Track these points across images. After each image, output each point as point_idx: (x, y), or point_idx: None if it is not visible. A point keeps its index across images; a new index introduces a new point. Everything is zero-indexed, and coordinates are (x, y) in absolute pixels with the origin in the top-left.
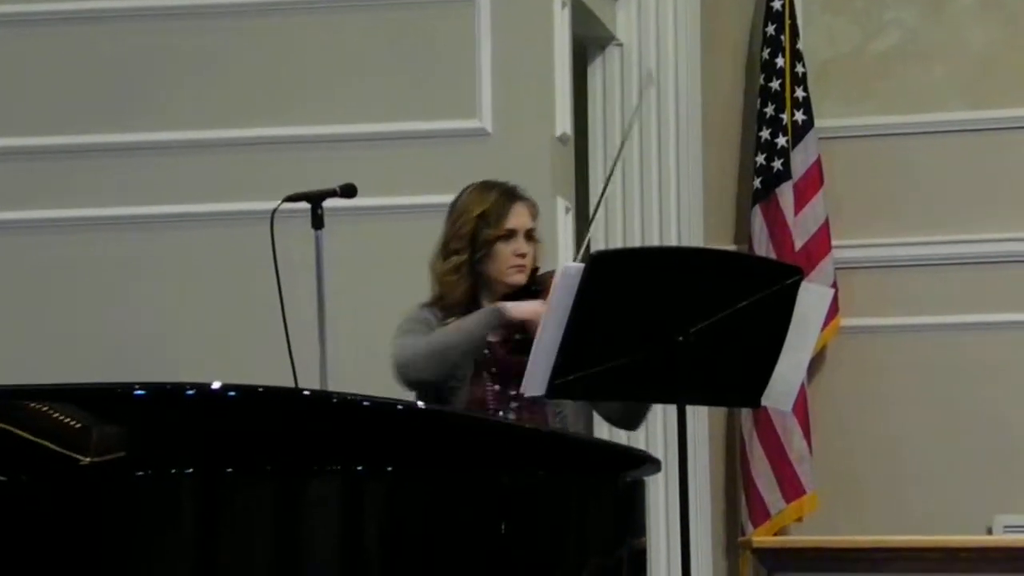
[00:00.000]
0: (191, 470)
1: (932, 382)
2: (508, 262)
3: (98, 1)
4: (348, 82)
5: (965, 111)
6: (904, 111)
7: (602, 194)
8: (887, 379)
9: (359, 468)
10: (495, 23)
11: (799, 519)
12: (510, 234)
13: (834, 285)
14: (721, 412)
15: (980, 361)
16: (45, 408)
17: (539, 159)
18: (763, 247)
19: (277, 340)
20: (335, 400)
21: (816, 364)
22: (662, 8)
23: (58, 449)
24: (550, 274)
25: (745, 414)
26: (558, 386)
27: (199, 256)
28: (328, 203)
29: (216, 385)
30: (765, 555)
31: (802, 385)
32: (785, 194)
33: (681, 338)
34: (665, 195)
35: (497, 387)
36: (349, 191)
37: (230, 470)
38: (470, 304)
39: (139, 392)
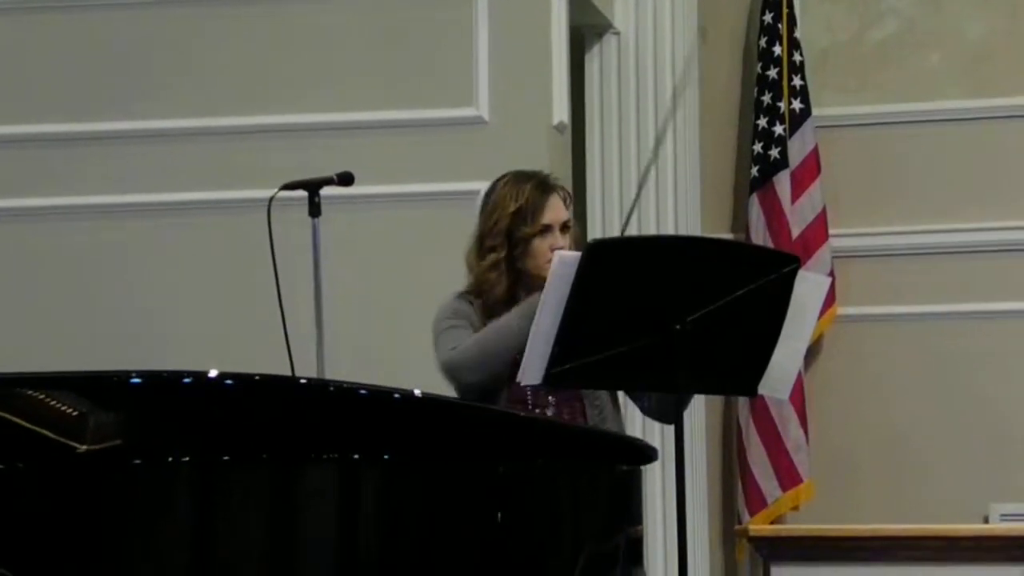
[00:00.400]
0: (187, 458)
1: (929, 371)
2: (546, 257)
3: None
4: (345, 70)
5: (962, 100)
6: (901, 100)
7: (625, 223)
8: (884, 368)
9: (356, 456)
10: (492, 11)
11: (795, 508)
12: (546, 229)
13: (831, 274)
14: (718, 400)
15: (977, 350)
16: (41, 396)
17: (536, 148)
18: (760, 236)
19: (274, 328)
20: (332, 388)
21: (813, 353)
22: None
23: (54, 437)
24: None
25: (742, 402)
26: (554, 375)
27: (196, 244)
28: (325, 191)
29: (213, 373)
30: (761, 543)
31: (799, 373)
32: (782, 183)
33: (678, 326)
34: (662, 183)
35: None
36: (346, 179)
37: (227, 458)
38: (510, 300)
39: (135, 380)
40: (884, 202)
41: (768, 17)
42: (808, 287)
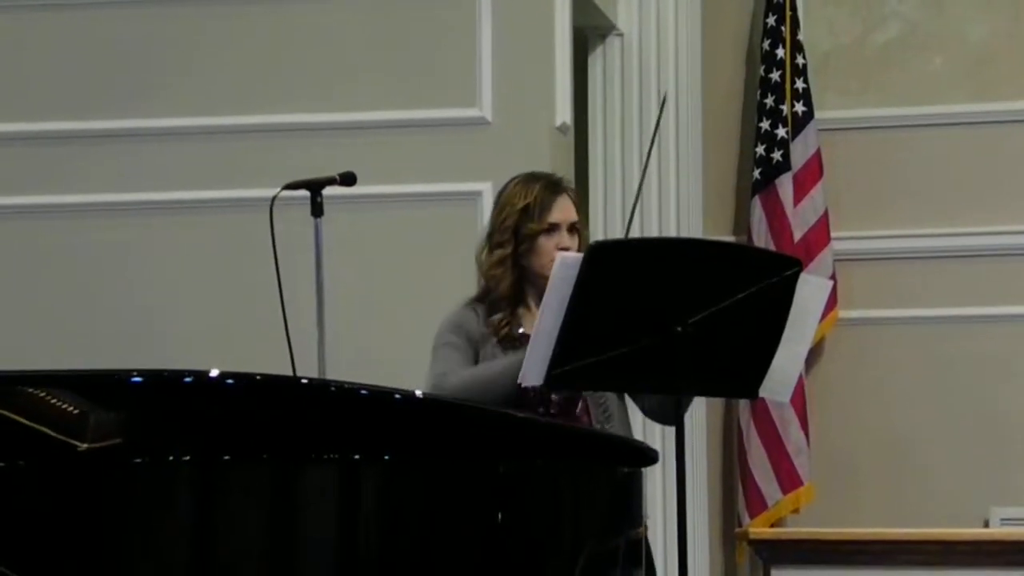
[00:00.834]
0: (188, 457)
1: (930, 374)
2: (551, 256)
3: None
4: (348, 70)
5: (965, 103)
6: (904, 103)
7: (628, 226)
8: (885, 371)
9: (356, 456)
10: (496, 12)
11: (796, 510)
12: (552, 228)
13: (833, 277)
14: (719, 403)
15: (979, 354)
16: (42, 394)
17: (539, 149)
18: (762, 238)
19: (275, 328)
20: (333, 388)
21: (814, 356)
22: None
23: (55, 435)
24: None
25: (743, 405)
26: (556, 376)
27: (198, 243)
28: (328, 191)
29: (214, 372)
30: (762, 546)
31: (800, 376)
32: (784, 185)
33: (679, 328)
34: (665, 185)
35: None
36: (349, 179)
37: (227, 458)
38: (516, 298)
39: (136, 379)
40: (886, 205)
41: (771, 20)
42: (810, 290)
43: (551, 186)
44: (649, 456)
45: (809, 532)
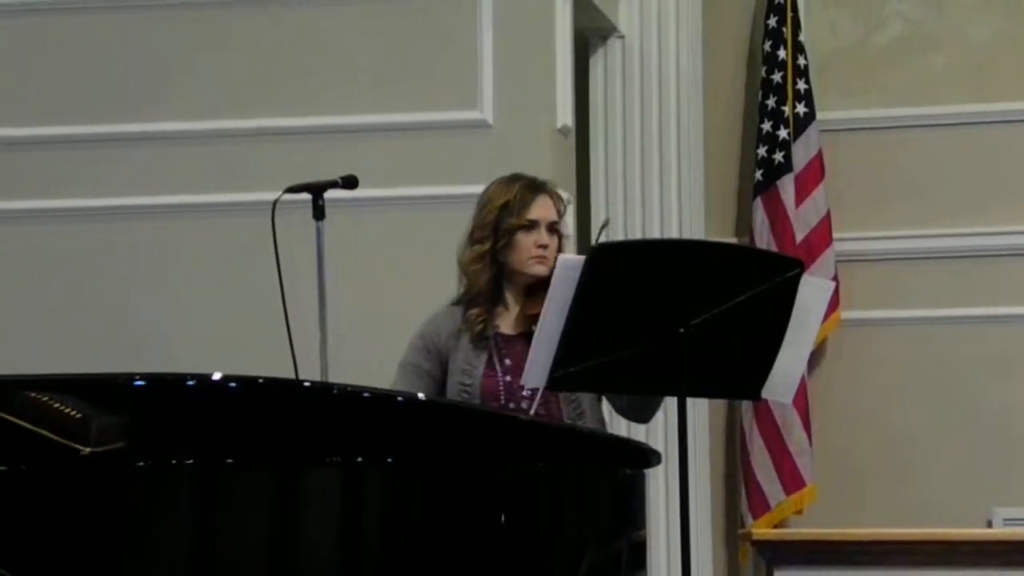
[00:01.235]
0: (191, 461)
1: (932, 375)
2: (529, 253)
3: None
4: (350, 73)
5: (967, 104)
6: (906, 104)
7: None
8: (887, 372)
9: (359, 459)
10: (497, 14)
11: (799, 511)
12: (532, 225)
13: (835, 278)
14: (721, 404)
15: (981, 354)
16: (45, 398)
17: (540, 151)
18: (764, 239)
19: (278, 331)
20: (335, 391)
21: (816, 357)
22: (664, 0)
23: (58, 439)
24: None
25: (745, 406)
26: (558, 378)
27: (200, 247)
28: (329, 194)
29: (216, 376)
30: (765, 547)
31: (802, 378)
32: (786, 186)
33: (682, 330)
34: (666, 187)
35: (509, 379)
36: (351, 182)
37: (230, 461)
38: (494, 294)
39: (139, 383)
40: (888, 206)
41: (772, 21)
42: (812, 291)
43: (532, 185)
44: (652, 458)
45: (812, 533)
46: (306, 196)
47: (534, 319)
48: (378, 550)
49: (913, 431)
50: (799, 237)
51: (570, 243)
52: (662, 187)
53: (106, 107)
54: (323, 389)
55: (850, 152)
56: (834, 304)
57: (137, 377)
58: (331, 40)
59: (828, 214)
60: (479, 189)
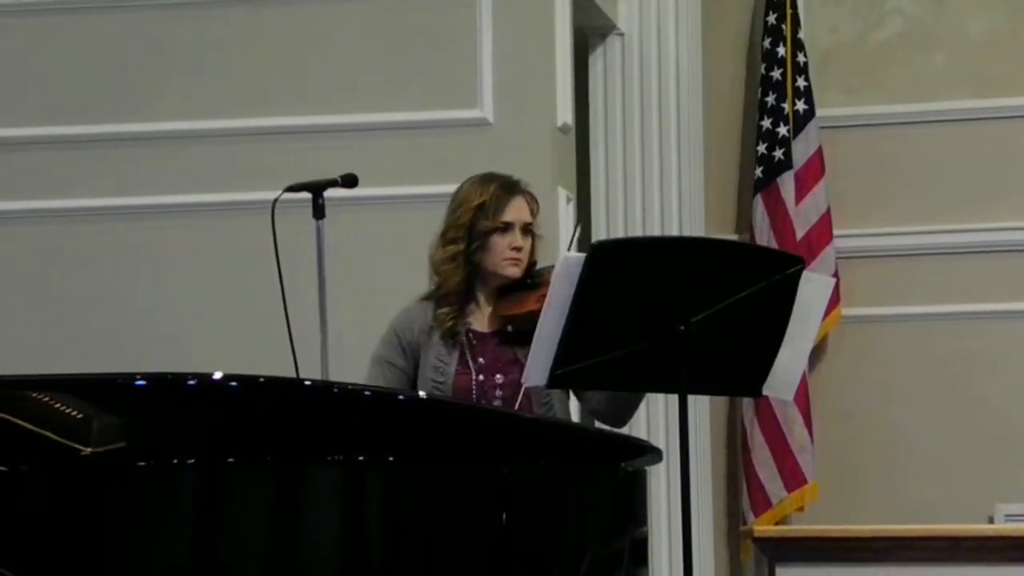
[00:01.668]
0: (192, 460)
1: (933, 371)
2: (503, 254)
3: None
4: (350, 72)
5: (967, 100)
6: (906, 100)
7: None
8: (888, 368)
9: (360, 458)
10: (496, 12)
11: (800, 508)
12: (506, 227)
13: (835, 274)
14: (722, 401)
15: (982, 350)
16: (46, 398)
17: (540, 149)
18: (764, 237)
19: (278, 330)
20: (336, 390)
21: (817, 353)
22: None
23: (59, 439)
24: (548, 269)
25: (746, 403)
26: (559, 376)
27: (200, 246)
28: (329, 193)
29: (217, 375)
30: (766, 544)
31: (803, 374)
32: (786, 183)
33: (683, 327)
34: (666, 184)
35: (482, 377)
36: (350, 181)
37: (231, 460)
38: (465, 294)
39: (140, 382)
40: (888, 203)
41: (772, 18)
42: (812, 288)
43: (507, 186)
44: (653, 455)
45: (813, 529)
46: (306, 195)
47: (507, 320)
48: (379, 549)
49: (914, 427)
50: (799, 234)
51: (543, 243)
52: (662, 184)
53: (106, 107)
54: (324, 388)
55: (850, 149)
56: (835, 301)
57: (138, 377)
58: (331, 39)
59: (828, 211)
60: None
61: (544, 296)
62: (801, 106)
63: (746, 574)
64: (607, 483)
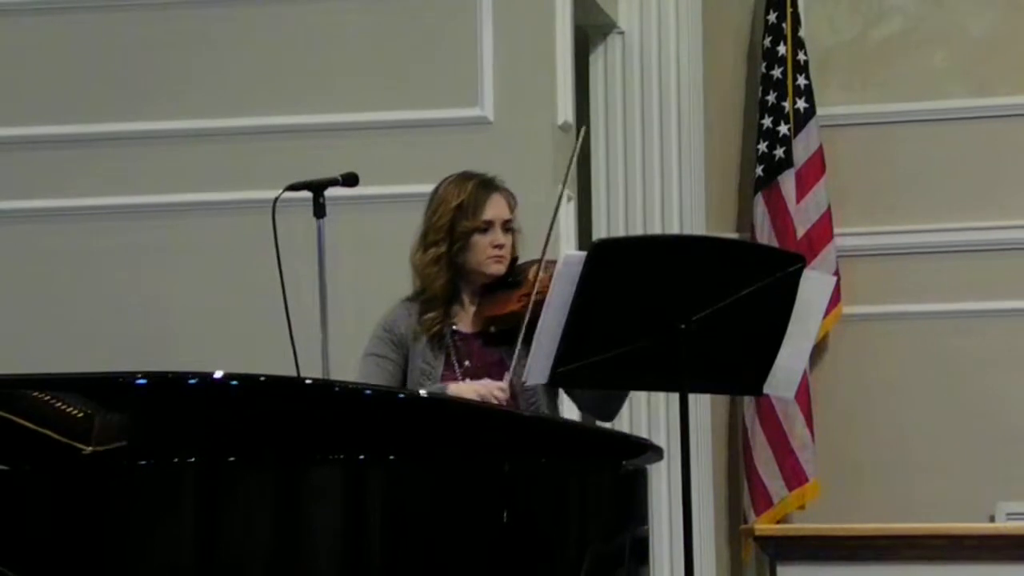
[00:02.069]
0: (193, 459)
1: (934, 369)
2: (486, 253)
3: None
4: (350, 71)
5: (967, 98)
6: (906, 99)
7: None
8: (889, 367)
9: (361, 457)
10: (497, 11)
11: (801, 507)
12: (487, 225)
13: (836, 273)
14: (723, 400)
15: (982, 348)
16: (47, 397)
17: (541, 147)
18: (765, 235)
19: (279, 329)
20: (337, 389)
21: (818, 352)
22: None
23: (60, 439)
24: (529, 264)
25: (747, 402)
26: (560, 374)
27: (201, 245)
28: (330, 192)
29: (218, 374)
30: (767, 543)
31: (804, 373)
32: (787, 182)
33: (683, 326)
34: (667, 183)
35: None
36: (351, 180)
37: (232, 459)
38: (450, 296)
39: (141, 381)
40: (889, 201)
41: (772, 17)
42: (813, 286)
43: (484, 184)
44: (654, 453)
45: (815, 528)
46: (307, 194)
47: (490, 321)
48: (381, 547)
49: (916, 425)
50: (800, 232)
51: (521, 238)
52: (663, 183)
53: (105, 107)
54: (325, 387)
55: (851, 147)
56: (835, 299)
57: (139, 376)
58: (331, 37)
59: (829, 209)
60: None
61: (525, 295)
62: (801, 104)
63: (747, 573)
64: (608, 481)
